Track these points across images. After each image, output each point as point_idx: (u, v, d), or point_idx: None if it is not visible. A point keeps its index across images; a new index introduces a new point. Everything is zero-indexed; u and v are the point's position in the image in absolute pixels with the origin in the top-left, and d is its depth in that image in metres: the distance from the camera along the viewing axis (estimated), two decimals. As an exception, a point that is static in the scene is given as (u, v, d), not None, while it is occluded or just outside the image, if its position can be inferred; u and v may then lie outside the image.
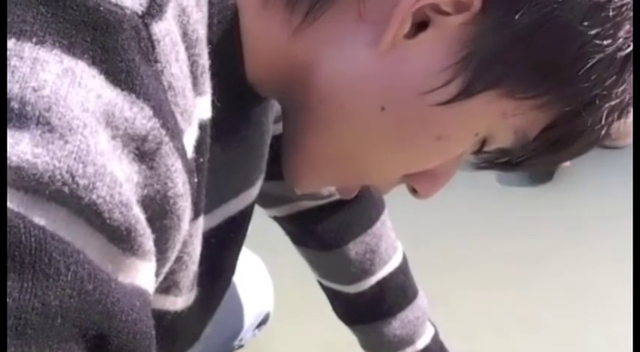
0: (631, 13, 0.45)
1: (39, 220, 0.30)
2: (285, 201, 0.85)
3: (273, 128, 0.60)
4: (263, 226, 0.82)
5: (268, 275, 1.09)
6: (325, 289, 0.93)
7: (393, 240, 0.90)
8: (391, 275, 0.89)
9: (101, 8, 0.35)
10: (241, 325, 1.02)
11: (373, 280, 0.89)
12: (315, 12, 0.46)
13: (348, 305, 0.91)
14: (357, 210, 0.87)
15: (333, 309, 0.94)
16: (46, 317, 0.30)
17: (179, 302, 0.48)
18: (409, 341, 0.90)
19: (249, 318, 1.04)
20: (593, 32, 0.44)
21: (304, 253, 0.91)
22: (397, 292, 0.90)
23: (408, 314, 0.90)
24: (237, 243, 0.59)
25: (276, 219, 0.89)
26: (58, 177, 0.31)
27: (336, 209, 0.86)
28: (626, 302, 0.64)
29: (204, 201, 0.45)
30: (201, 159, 0.43)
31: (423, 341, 0.92)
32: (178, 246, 0.41)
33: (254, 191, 0.58)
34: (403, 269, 0.90)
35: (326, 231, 0.87)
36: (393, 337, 0.90)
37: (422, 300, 0.92)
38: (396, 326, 0.90)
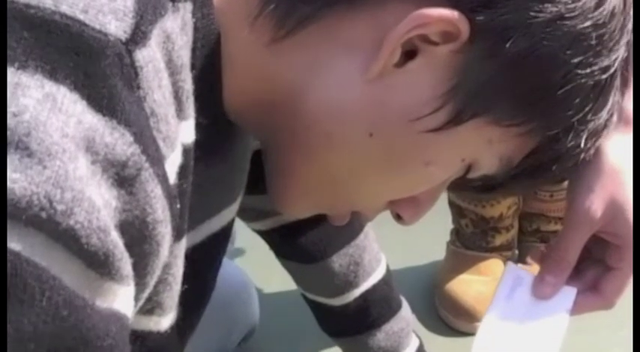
0: (611, 43, 0.46)
1: (15, 245, 0.30)
2: (267, 214, 0.85)
3: (255, 144, 0.60)
4: (248, 240, 0.81)
5: (254, 288, 1.08)
6: (309, 302, 0.93)
7: (377, 251, 0.90)
8: (375, 287, 0.89)
9: (85, 34, 0.35)
10: (228, 339, 1.01)
11: (357, 292, 0.89)
12: (305, 23, 0.45)
13: (332, 317, 0.91)
14: (340, 223, 0.87)
15: (318, 322, 0.94)
16: (19, 342, 0.30)
17: (163, 322, 0.48)
18: None
19: (236, 332, 1.04)
20: (576, 60, 0.46)
21: (288, 266, 0.91)
22: (381, 304, 0.90)
23: (392, 326, 0.90)
24: (218, 259, 0.60)
25: (260, 232, 0.89)
26: (36, 202, 0.31)
27: (318, 221, 0.85)
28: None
29: (188, 222, 0.45)
30: (184, 185, 0.43)
31: (408, 352, 0.92)
32: (158, 272, 0.41)
33: (235, 207, 0.59)
34: (387, 281, 0.91)
35: (309, 244, 0.87)
36: (377, 349, 0.90)
37: (406, 311, 0.93)
38: (381, 338, 0.90)
